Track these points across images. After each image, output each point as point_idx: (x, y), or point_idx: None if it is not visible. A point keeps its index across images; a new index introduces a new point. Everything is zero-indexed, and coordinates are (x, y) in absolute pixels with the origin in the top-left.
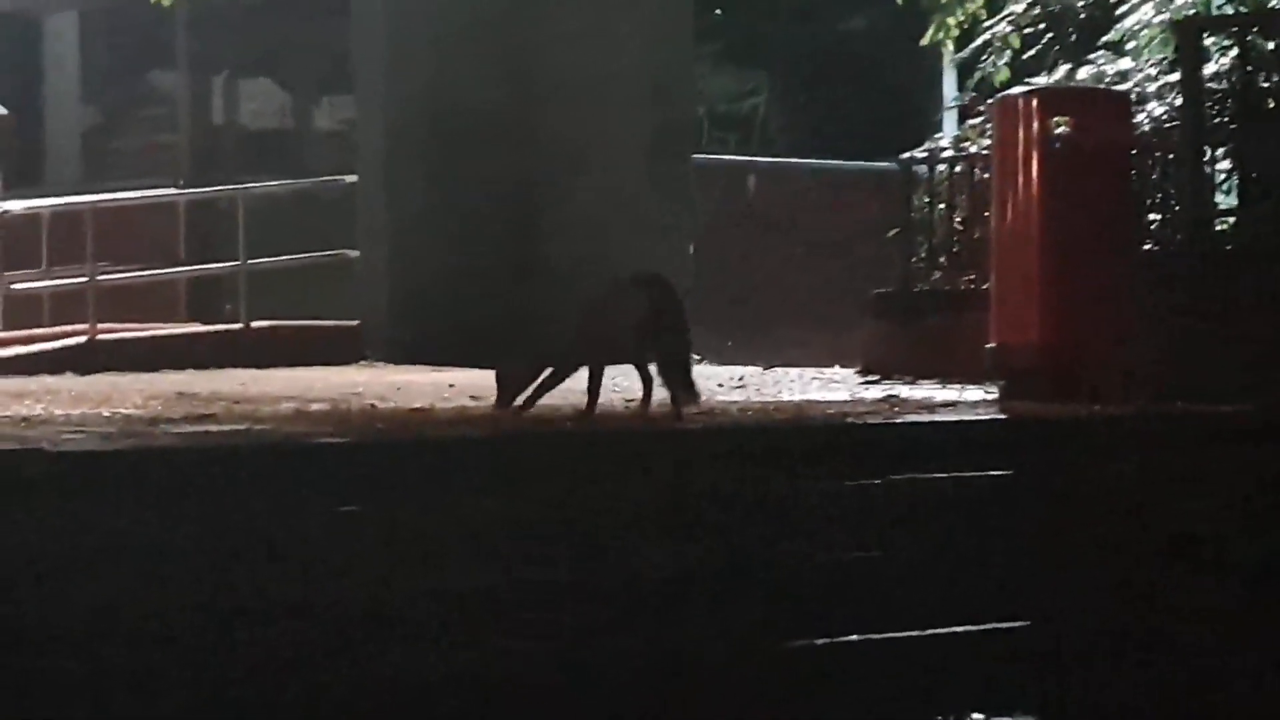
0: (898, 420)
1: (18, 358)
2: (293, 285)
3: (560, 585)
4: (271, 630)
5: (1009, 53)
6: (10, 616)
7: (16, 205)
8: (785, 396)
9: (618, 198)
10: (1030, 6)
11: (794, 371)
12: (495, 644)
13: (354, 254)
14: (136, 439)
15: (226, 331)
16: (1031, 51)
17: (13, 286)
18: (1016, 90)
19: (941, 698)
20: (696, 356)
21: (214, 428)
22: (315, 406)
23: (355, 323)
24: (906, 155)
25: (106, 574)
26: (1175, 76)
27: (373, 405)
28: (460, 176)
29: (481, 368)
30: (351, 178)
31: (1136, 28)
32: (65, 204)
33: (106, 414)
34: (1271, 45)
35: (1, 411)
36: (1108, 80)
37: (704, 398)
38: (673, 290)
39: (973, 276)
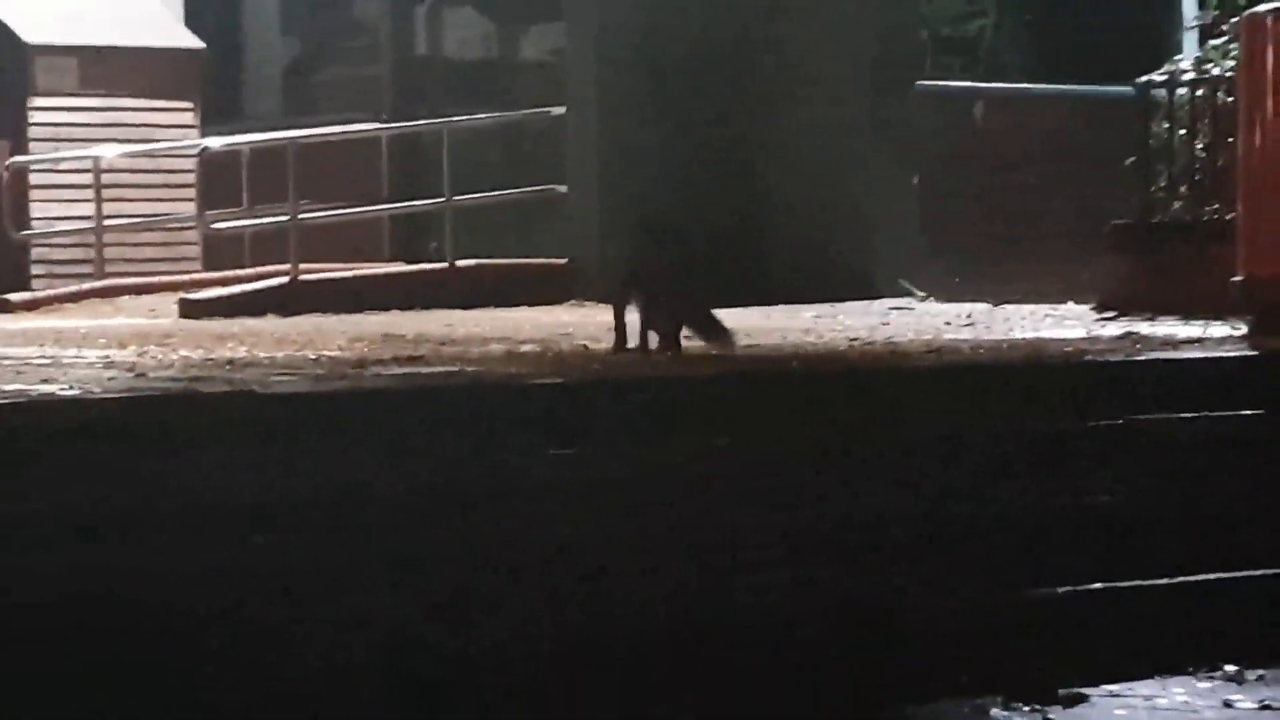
0: (1139, 358)
1: (219, 299)
2: (499, 222)
3: (786, 530)
4: (524, 580)
5: None
6: (248, 559)
7: (216, 142)
8: (1017, 334)
9: (838, 127)
10: None
11: (1025, 308)
12: (729, 587)
13: (563, 189)
14: (346, 380)
15: (431, 271)
16: None
17: (213, 226)
18: (1264, 7)
19: (1191, 648)
20: (920, 293)
21: (423, 369)
22: (525, 348)
23: (564, 261)
24: (1144, 79)
25: (345, 517)
26: None
27: (585, 346)
28: (675, 107)
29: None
30: (560, 110)
31: None
32: (266, 140)
33: (312, 356)
34: None
35: (206, 354)
36: None
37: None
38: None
39: (1216, 206)
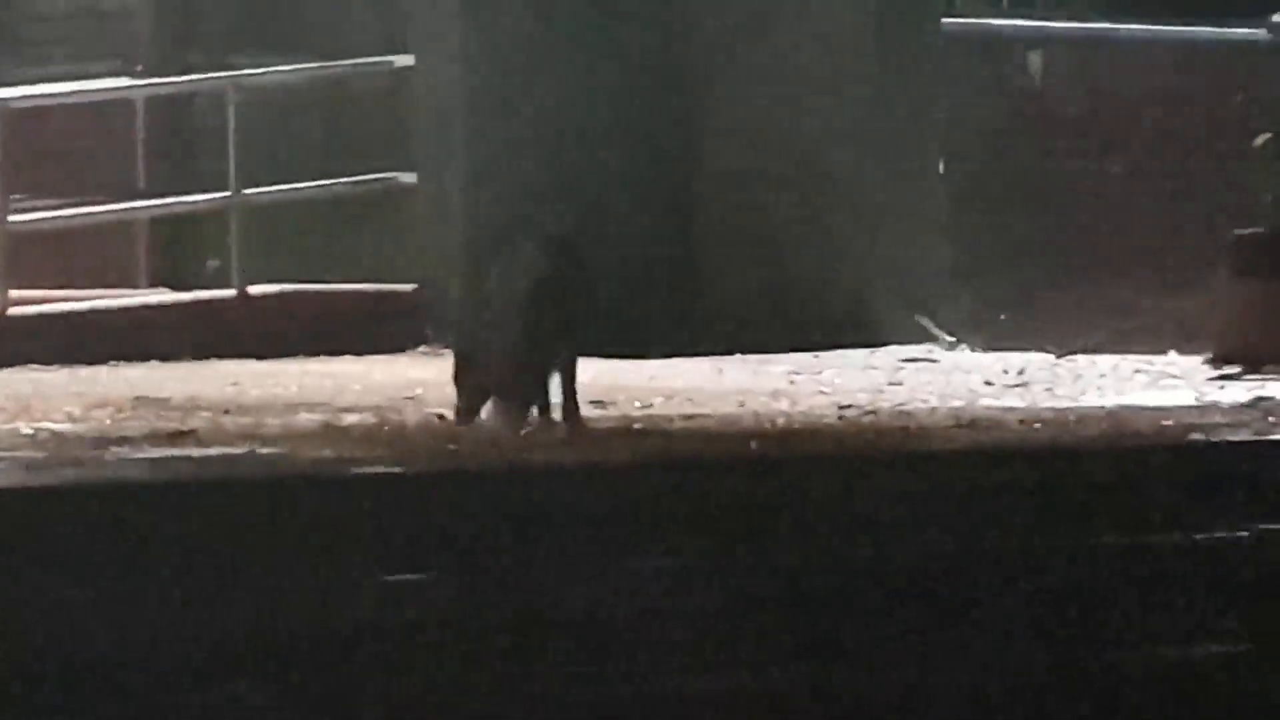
0: (1275, 437)
1: None
2: (315, 229)
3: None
4: None
5: None
6: None
7: None
8: (1092, 401)
9: (826, 88)
10: None
11: (1104, 361)
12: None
13: (410, 179)
14: (77, 469)
15: (210, 302)
16: None
17: None
18: None
19: None
20: (947, 337)
21: (194, 451)
22: (351, 418)
23: (411, 287)
24: None
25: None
26: None
27: (439, 417)
28: (582, 51)
29: (622, 355)
30: (405, 59)
31: None
32: None
33: (27, 430)
34: None
35: None
36: None
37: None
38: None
39: None
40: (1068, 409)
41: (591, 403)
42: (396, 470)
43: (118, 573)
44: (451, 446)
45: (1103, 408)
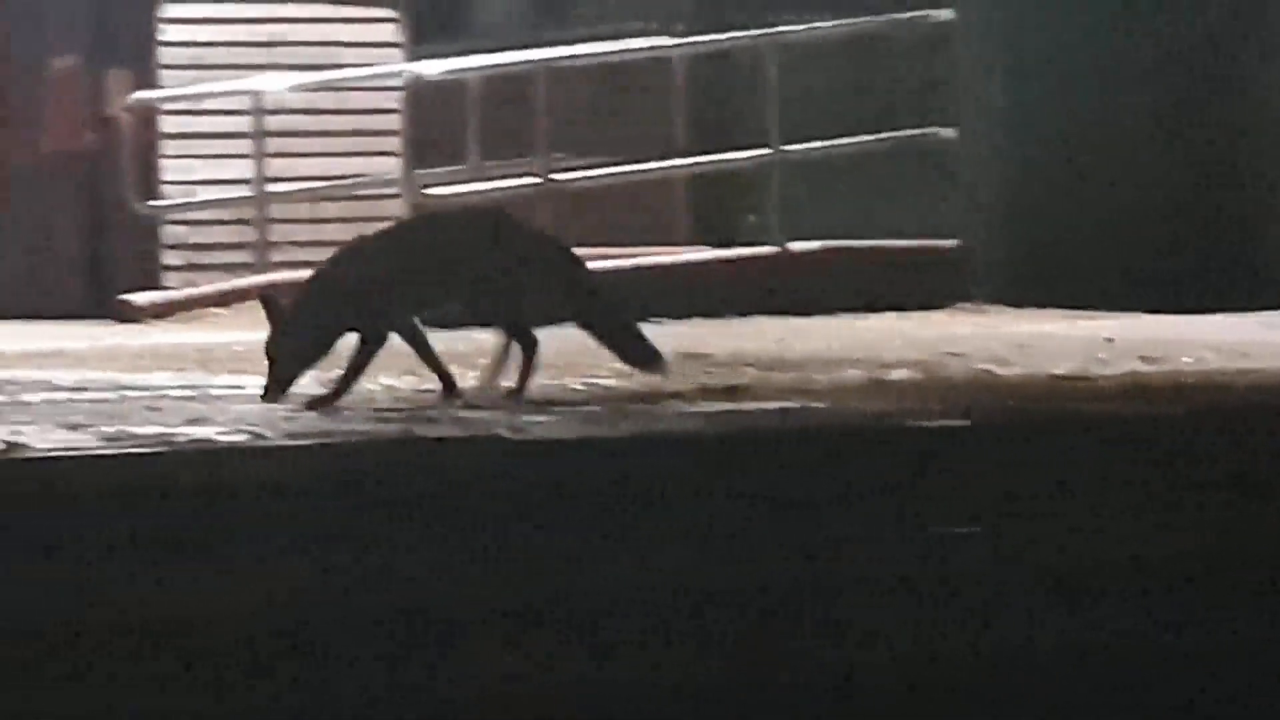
0: None
1: None
2: (852, 185)
3: None
4: None
5: None
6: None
7: (430, 68)
8: None
9: None
10: None
11: None
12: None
13: (949, 134)
14: (631, 422)
15: (751, 259)
16: None
17: (426, 191)
18: None
19: None
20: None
21: (744, 405)
22: (896, 374)
23: (951, 244)
24: None
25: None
26: None
27: (987, 371)
28: (1131, 5)
29: (1153, 310)
30: (944, 13)
31: None
32: (503, 65)
33: (579, 386)
34: None
35: (423, 383)
36: None
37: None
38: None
39: None
40: None
41: (1140, 358)
42: (957, 423)
43: (685, 521)
44: (1009, 402)
45: None
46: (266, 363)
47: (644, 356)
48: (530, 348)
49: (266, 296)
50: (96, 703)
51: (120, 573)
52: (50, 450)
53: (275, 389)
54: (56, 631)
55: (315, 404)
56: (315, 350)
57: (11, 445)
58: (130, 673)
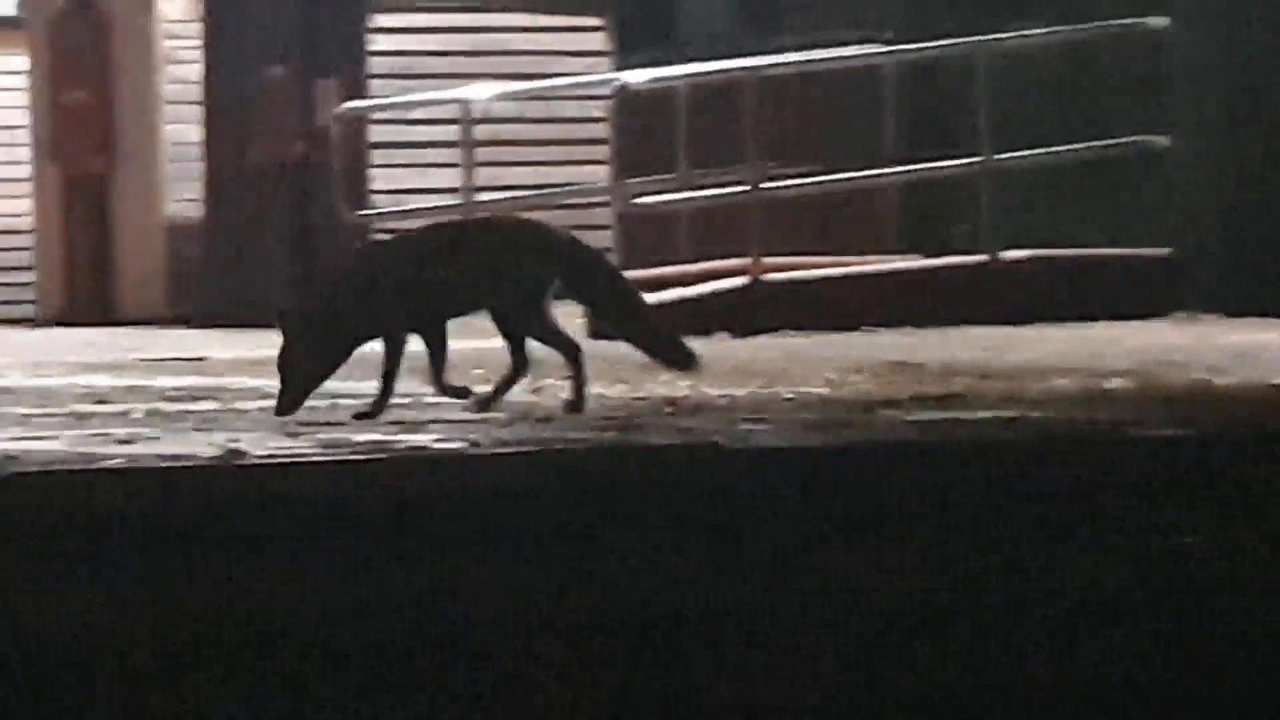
0: None
1: None
2: (1061, 194)
3: None
4: None
5: None
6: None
7: (638, 76)
8: None
9: None
10: None
11: None
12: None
13: (1162, 141)
14: (847, 430)
15: (959, 268)
16: None
17: (634, 200)
18: None
19: None
20: None
21: (957, 414)
22: (1112, 383)
23: (1164, 252)
24: None
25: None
26: None
27: (1207, 380)
28: None
29: None
30: (1158, 21)
31: None
32: (711, 72)
33: (789, 395)
34: None
35: (632, 390)
36: None
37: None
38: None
39: None
40: None
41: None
42: (1183, 433)
43: (903, 530)
44: (1227, 413)
45: None
46: (279, 376)
47: (681, 359)
48: (574, 352)
49: (280, 310)
50: (321, 707)
51: (335, 579)
52: (268, 457)
53: (288, 402)
54: (273, 636)
55: (362, 415)
56: (331, 361)
57: (231, 452)
58: (349, 680)
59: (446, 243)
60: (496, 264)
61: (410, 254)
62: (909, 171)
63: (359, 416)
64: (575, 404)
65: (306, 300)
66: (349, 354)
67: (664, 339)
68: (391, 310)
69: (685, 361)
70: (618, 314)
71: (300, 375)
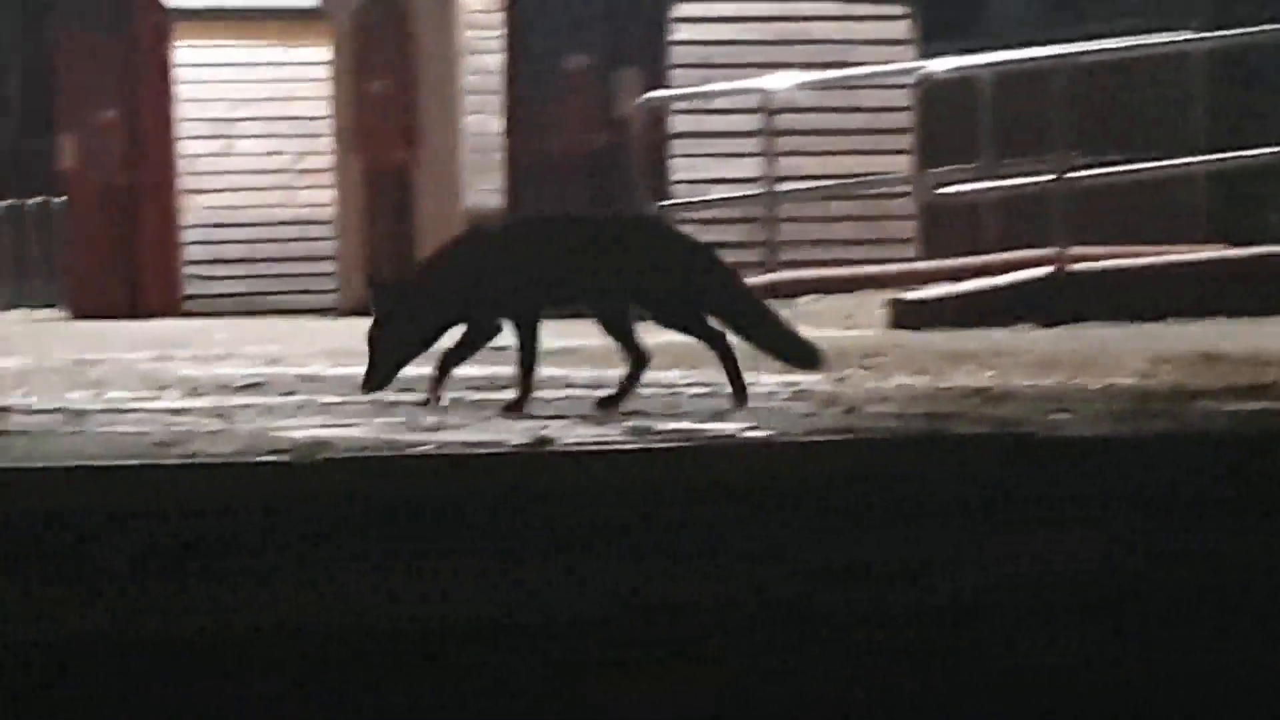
0: None
1: (946, 301)
2: None
3: None
4: None
5: None
6: None
7: (941, 65)
8: None
9: None
10: None
11: None
12: None
13: None
14: (1159, 420)
15: (1267, 258)
16: None
17: (937, 190)
18: None
19: None
20: None
21: (1271, 404)
22: None
23: None
24: None
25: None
26: None
27: None
28: None
29: None
30: None
31: None
32: (1016, 61)
33: (1096, 386)
34: None
35: (935, 381)
36: None
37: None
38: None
39: None
40: None
41: None
42: None
43: (1207, 521)
44: None
45: None
46: (368, 351)
47: (805, 356)
48: (641, 361)
49: (373, 282)
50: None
51: (641, 568)
52: (578, 444)
53: (374, 379)
54: (566, 625)
55: (510, 408)
56: (420, 338)
57: (541, 440)
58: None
59: (563, 234)
60: (624, 261)
61: (527, 241)
62: (1219, 159)
63: (508, 409)
64: (613, 403)
65: (401, 276)
66: (440, 334)
67: (787, 336)
68: (494, 295)
69: (810, 359)
70: (739, 313)
71: (388, 351)
